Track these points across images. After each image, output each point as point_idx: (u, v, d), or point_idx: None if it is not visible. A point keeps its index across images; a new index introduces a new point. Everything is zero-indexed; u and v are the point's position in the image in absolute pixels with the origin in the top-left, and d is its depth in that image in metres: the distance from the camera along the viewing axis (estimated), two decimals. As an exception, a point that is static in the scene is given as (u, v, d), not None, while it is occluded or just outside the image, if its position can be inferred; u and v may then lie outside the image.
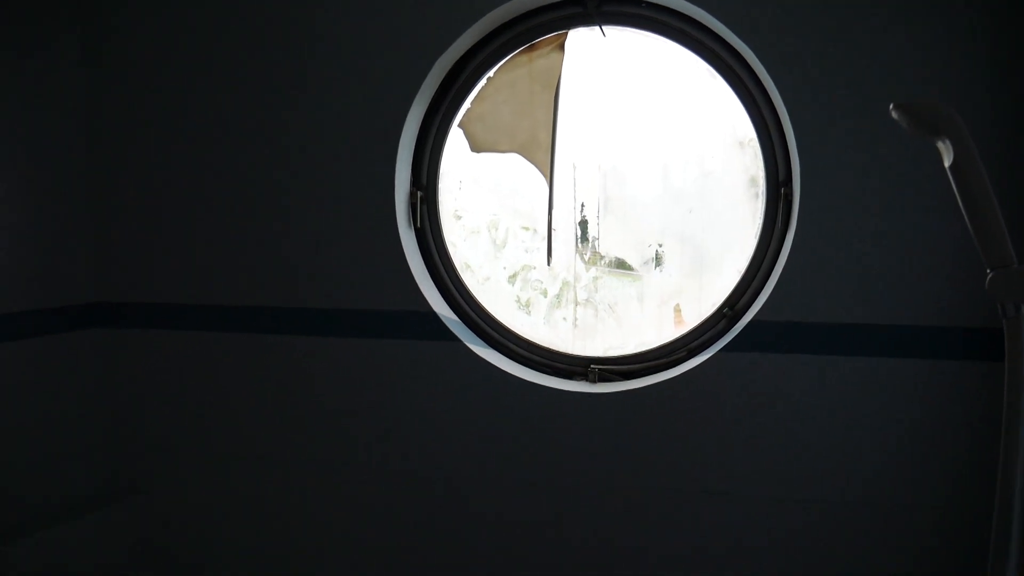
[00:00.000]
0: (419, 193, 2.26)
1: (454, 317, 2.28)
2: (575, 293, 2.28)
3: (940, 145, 1.29)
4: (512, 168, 2.26)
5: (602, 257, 2.26)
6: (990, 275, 1.26)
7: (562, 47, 2.21)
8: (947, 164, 1.27)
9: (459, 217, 2.34)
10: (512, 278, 2.33)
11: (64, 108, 2.43)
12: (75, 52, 2.45)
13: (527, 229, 2.31)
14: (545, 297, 2.31)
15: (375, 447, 2.29)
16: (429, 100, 2.23)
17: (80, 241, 2.47)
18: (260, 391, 2.37)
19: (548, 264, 2.29)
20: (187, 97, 2.36)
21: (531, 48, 2.22)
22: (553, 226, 2.26)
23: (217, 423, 2.43)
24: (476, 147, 2.28)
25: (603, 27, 2.15)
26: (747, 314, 2.07)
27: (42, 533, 2.29)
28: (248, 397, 2.39)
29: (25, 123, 2.33)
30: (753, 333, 2.01)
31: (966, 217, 1.27)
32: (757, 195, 2.10)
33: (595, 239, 2.25)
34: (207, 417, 2.44)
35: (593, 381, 2.21)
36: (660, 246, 2.22)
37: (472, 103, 2.25)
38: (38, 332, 2.37)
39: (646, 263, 2.23)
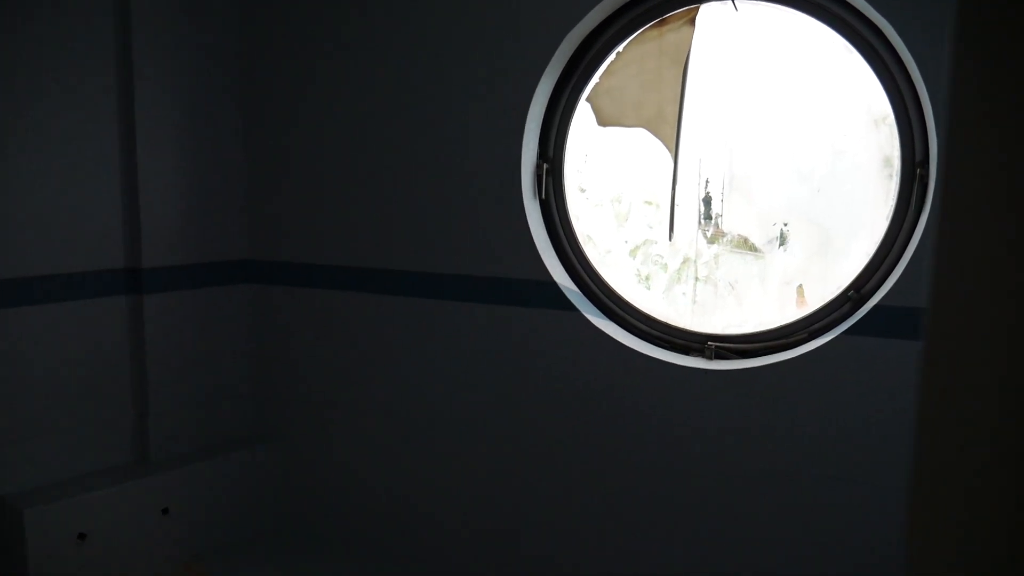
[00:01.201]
0: (545, 165, 2.32)
1: (574, 288, 2.33)
2: (695, 269, 2.28)
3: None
4: (638, 143, 2.27)
5: (725, 234, 2.25)
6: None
7: (693, 21, 2.20)
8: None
9: (583, 190, 2.38)
10: (633, 252, 2.35)
11: (224, 77, 2.64)
12: (235, 18, 2.65)
13: (650, 204, 2.32)
14: (665, 272, 2.32)
15: (492, 408, 2.39)
16: (558, 74, 2.28)
17: (236, 204, 2.69)
18: (389, 348, 2.52)
19: (670, 239, 2.30)
20: (334, 71, 2.51)
21: (661, 23, 2.22)
22: (676, 202, 2.26)
23: (349, 377, 2.60)
24: (603, 121, 2.31)
25: (735, 1, 2.12)
26: (873, 298, 2.01)
27: (200, 464, 2.55)
28: (378, 353, 2.54)
29: (187, 91, 2.55)
30: (879, 317, 1.96)
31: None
32: (891, 176, 2.02)
33: (718, 216, 2.24)
34: (341, 370, 2.61)
35: (709, 358, 2.22)
36: (785, 225, 2.19)
37: (600, 77, 2.28)
38: (197, 284, 2.61)
39: (770, 242, 2.21)
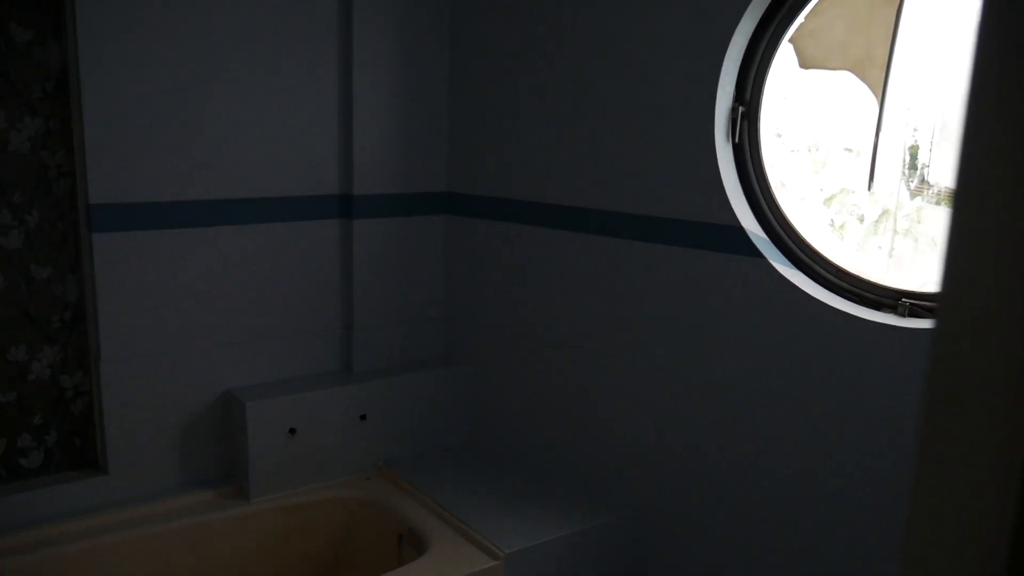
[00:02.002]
0: (740, 108, 2.28)
1: (762, 235, 2.30)
2: (895, 222, 2.18)
3: None
4: (841, 87, 2.18)
5: (931, 186, 2.12)
6: None
7: (913, -43, 2.06)
8: None
9: (779, 135, 2.32)
10: (828, 201, 2.28)
11: (432, 17, 2.77)
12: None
13: (850, 151, 2.23)
14: (861, 223, 2.23)
15: (671, 349, 2.42)
16: (761, 14, 2.21)
17: (439, 140, 2.85)
18: (573, 283, 2.60)
19: (869, 189, 2.20)
20: (533, 11, 2.58)
21: (877, -42, 2.10)
22: (879, 150, 2.16)
23: (534, 307, 2.71)
24: (805, 63, 2.23)
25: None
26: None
27: (395, 378, 2.78)
28: (562, 287, 2.63)
29: (399, 30, 2.70)
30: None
31: None
32: None
33: (925, 167, 2.12)
34: (526, 301, 2.73)
35: (902, 315, 2.12)
36: (1000, 179, 2.03)
37: (805, 17, 2.19)
38: (400, 212, 2.81)
39: (981, 197, 2.06)
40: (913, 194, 2.11)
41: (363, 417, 2.73)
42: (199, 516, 2.49)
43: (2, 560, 2.21)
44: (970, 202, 0.55)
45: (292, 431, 2.59)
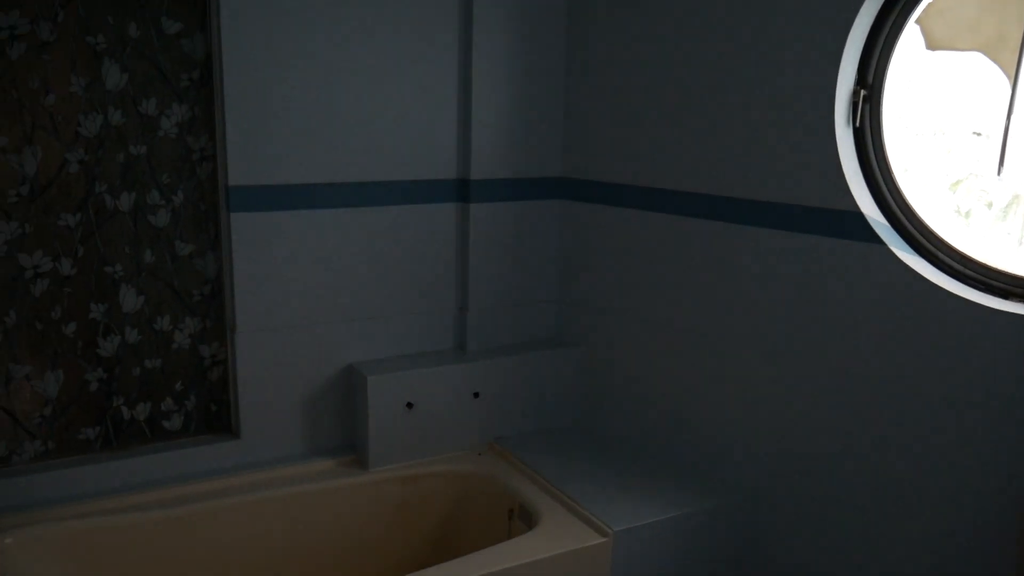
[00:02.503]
0: (862, 92, 2.24)
1: (883, 220, 2.25)
2: (1026, 208, 2.10)
3: None
4: (970, 68, 2.11)
5: (1067, 171, 2.04)
6: None
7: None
8: None
9: (903, 118, 2.27)
10: (954, 186, 2.21)
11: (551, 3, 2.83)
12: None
13: (978, 135, 2.16)
14: (989, 209, 2.16)
15: (787, 336, 2.41)
16: (887, -6, 2.17)
17: (555, 126, 2.90)
18: (687, 268, 2.61)
19: (998, 174, 2.13)
20: (653, -4, 2.60)
21: (1014, -66, 2.02)
22: (1010, 133, 2.08)
23: (646, 292, 2.74)
24: (933, 44, 2.17)
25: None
26: None
27: (508, 358, 2.86)
28: (676, 272, 2.65)
29: (519, 18, 2.77)
30: None
31: None
32: None
33: (1061, 151, 2.03)
34: (638, 286, 2.76)
35: (1032, 304, 2.05)
36: None
37: (935, -3, 2.13)
38: (516, 197, 2.88)
39: (1123, 182, 1.97)
40: (1047, 179, 2.03)
41: (476, 395, 2.82)
42: (321, 483, 2.63)
43: (145, 512, 2.41)
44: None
45: (409, 405, 2.71)
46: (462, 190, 2.83)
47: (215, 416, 2.73)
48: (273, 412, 2.69)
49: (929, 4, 2.14)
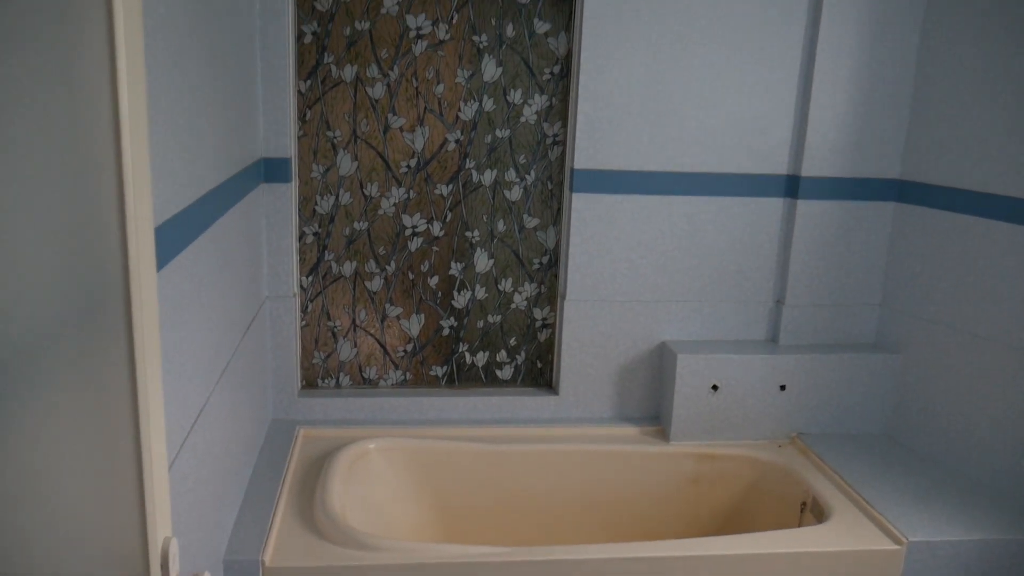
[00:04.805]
0: None
1: None
2: None
3: None
4: None
5: None
6: None
7: None
8: None
9: None
10: None
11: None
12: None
13: None
14: None
15: None
16: None
17: (898, 124, 2.84)
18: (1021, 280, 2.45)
19: None
20: (1024, -6, 2.45)
21: None
22: None
23: (978, 305, 2.60)
24: None
25: None
26: None
27: (819, 355, 2.88)
28: (1014, 287, 2.49)
29: (866, 12, 2.75)
30: None
31: None
32: None
33: None
34: (971, 298, 2.62)
35: None
36: None
37: None
38: (845, 196, 2.87)
39: None
40: None
41: (783, 387, 2.88)
42: (624, 445, 2.87)
43: (473, 443, 2.81)
44: None
45: (715, 387, 2.85)
46: (791, 186, 2.89)
47: (539, 372, 3.08)
48: (589, 376, 2.98)
49: None
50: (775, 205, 2.91)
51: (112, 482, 0.97)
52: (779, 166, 2.88)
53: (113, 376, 0.97)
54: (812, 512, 2.56)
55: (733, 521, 2.84)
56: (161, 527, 1.10)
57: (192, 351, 1.80)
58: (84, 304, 0.88)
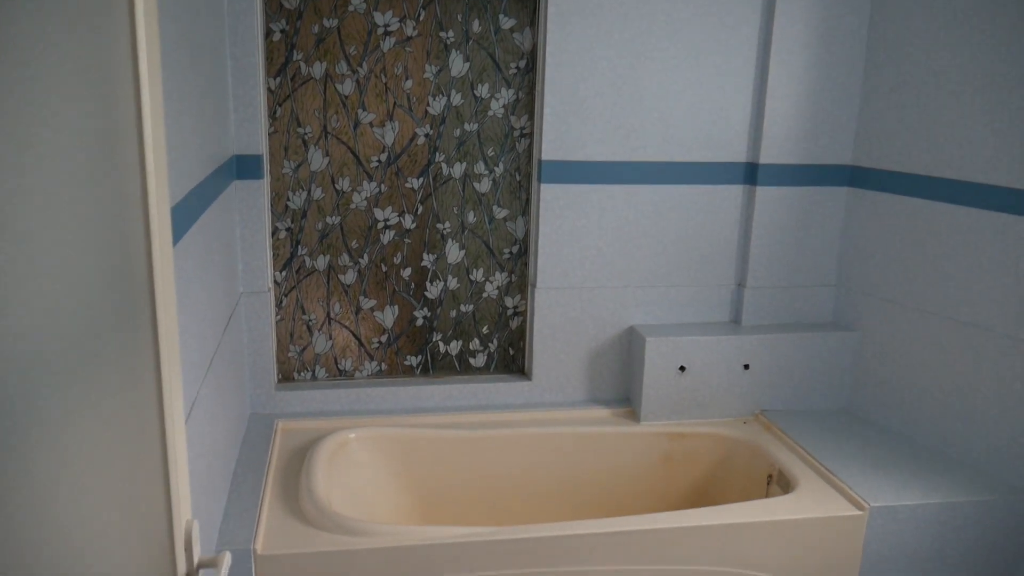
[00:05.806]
0: None
1: None
2: None
3: None
4: None
5: None
6: None
7: None
8: None
9: None
10: None
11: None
12: (875, -52, 2.86)
13: None
14: None
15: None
16: None
17: (849, 112, 2.97)
18: (976, 265, 2.59)
19: None
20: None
21: None
22: None
23: (932, 285, 2.74)
24: None
25: None
26: None
27: (780, 335, 3.00)
28: (964, 268, 2.63)
29: (817, 5, 2.86)
30: None
31: None
32: None
33: None
34: (923, 278, 2.77)
35: None
36: None
37: None
38: (800, 183, 3.00)
39: None
40: None
41: (746, 367, 3.00)
42: (596, 427, 2.97)
43: (449, 430, 2.88)
44: None
45: (682, 368, 2.95)
46: (750, 173, 3.00)
47: (512, 359, 3.16)
48: (561, 361, 3.06)
49: None
50: (735, 192, 3.03)
51: (140, 468, 1.03)
52: (738, 154, 2.99)
53: (143, 374, 1.03)
54: (778, 484, 2.68)
55: (704, 495, 2.95)
56: (184, 511, 1.15)
57: (183, 348, 1.83)
58: (115, 303, 0.93)
